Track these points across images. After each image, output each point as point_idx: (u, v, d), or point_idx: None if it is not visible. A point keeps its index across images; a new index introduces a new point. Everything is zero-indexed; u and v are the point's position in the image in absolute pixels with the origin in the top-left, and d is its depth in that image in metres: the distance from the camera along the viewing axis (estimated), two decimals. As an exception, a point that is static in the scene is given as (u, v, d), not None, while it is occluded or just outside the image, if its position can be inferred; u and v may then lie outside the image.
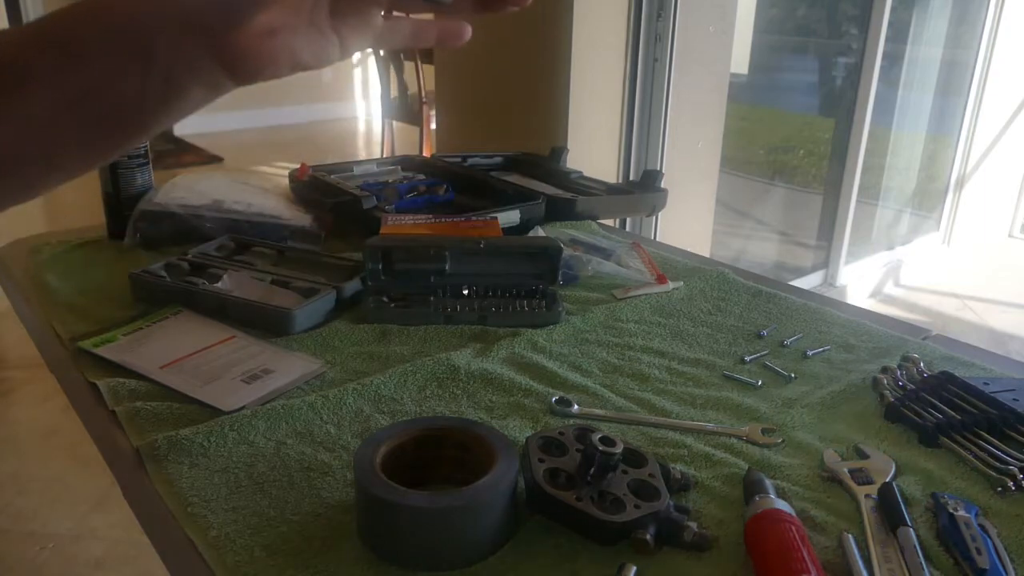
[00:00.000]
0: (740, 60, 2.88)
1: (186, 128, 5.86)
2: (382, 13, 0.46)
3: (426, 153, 3.39)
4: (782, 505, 0.55)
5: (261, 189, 1.21)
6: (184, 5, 0.40)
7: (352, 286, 0.91)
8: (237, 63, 0.41)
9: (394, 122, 4.01)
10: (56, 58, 0.39)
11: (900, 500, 0.58)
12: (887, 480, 0.61)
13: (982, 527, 0.55)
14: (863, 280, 3.38)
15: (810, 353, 0.84)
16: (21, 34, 0.40)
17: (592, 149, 1.95)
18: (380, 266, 0.92)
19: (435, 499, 0.51)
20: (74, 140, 0.41)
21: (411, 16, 0.47)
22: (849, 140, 3.13)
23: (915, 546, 0.53)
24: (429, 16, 0.47)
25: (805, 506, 0.58)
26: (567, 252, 1.05)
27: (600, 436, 0.57)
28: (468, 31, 0.47)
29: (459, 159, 1.46)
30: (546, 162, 1.48)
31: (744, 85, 3.13)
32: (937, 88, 3.77)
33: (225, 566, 0.52)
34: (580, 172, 1.42)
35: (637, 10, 1.90)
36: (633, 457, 0.59)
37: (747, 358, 0.82)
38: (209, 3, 0.40)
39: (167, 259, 0.96)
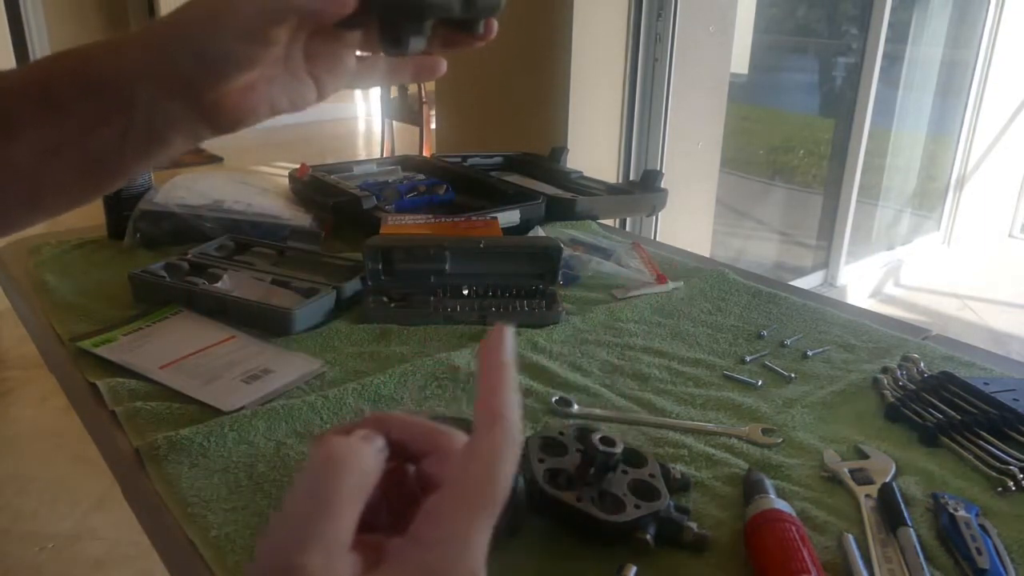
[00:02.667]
0: (740, 60, 2.88)
1: (186, 128, 5.85)
2: (356, 54, 0.47)
3: (426, 153, 3.39)
4: (782, 505, 0.55)
5: (261, 189, 1.21)
6: (165, 61, 0.41)
7: (352, 286, 0.91)
8: (217, 117, 0.42)
9: (394, 122, 4.01)
10: (38, 108, 0.41)
11: (900, 500, 0.58)
12: (887, 480, 0.61)
13: (982, 527, 0.55)
14: (863, 280, 3.38)
15: (810, 353, 0.84)
16: (8, 81, 0.41)
17: (592, 149, 1.95)
18: (380, 266, 0.92)
19: None
20: (57, 184, 0.43)
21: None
22: (849, 140, 3.13)
23: (915, 546, 0.53)
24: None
25: (805, 506, 0.58)
26: (567, 252, 1.05)
27: (600, 436, 0.57)
28: (443, 66, 0.47)
29: (459, 159, 1.46)
30: (546, 162, 1.48)
31: (744, 85, 3.12)
32: (937, 88, 3.77)
33: (225, 566, 0.52)
34: (580, 172, 1.42)
35: (637, 10, 1.90)
36: (633, 457, 0.59)
37: (747, 358, 0.82)
38: (190, 60, 0.40)
39: (167, 259, 0.95)
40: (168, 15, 0.42)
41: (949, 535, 0.55)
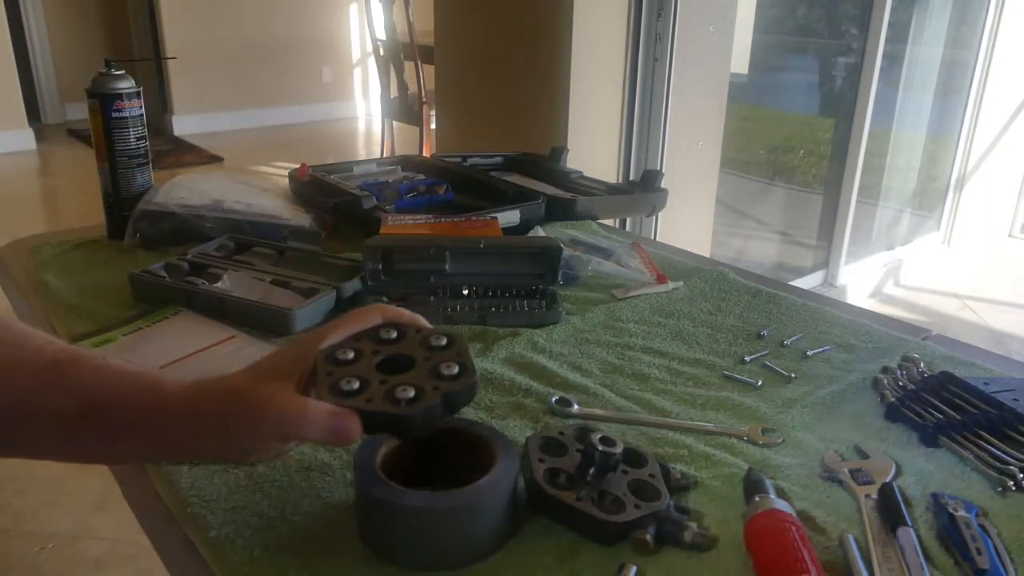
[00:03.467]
0: (740, 60, 2.88)
1: (186, 128, 5.86)
2: None
3: (426, 153, 3.39)
4: (782, 505, 0.55)
5: (261, 189, 1.21)
6: (220, 442, 0.53)
7: (352, 286, 0.91)
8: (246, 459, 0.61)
9: (394, 122, 4.01)
10: (182, 431, 0.52)
11: (900, 500, 0.58)
12: (887, 480, 0.61)
13: (982, 527, 0.55)
14: (863, 280, 3.38)
15: (810, 353, 0.83)
16: (180, 405, 0.52)
17: (592, 149, 1.95)
18: (380, 266, 0.92)
19: (435, 499, 0.50)
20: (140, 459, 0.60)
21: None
22: (849, 140, 3.13)
23: (915, 546, 0.53)
24: None
25: (805, 506, 0.58)
26: (567, 252, 1.05)
27: (600, 436, 0.57)
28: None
29: (459, 159, 1.46)
30: (546, 162, 1.48)
31: (744, 85, 3.13)
32: (937, 88, 3.77)
33: (225, 566, 0.52)
34: (580, 172, 1.42)
35: (637, 10, 1.90)
36: (633, 457, 0.59)
37: (747, 358, 0.82)
38: (236, 446, 0.54)
39: (167, 259, 0.96)
40: (221, 391, 0.53)
41: (949, 535, 0.55)
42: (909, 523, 0.55)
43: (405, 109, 3.79)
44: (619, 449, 0.56)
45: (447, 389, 0.50)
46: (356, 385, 0.50)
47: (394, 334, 0.56)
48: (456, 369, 0.52)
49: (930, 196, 3.90)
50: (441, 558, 0.52)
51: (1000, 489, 0.61)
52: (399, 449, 0.56)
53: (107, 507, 1.90)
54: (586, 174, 1.42)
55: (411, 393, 0.49)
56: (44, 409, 0.51)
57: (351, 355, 0.53)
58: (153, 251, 1.05)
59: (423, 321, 0.59)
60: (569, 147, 1.58)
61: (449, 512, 0.51)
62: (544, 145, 1.55)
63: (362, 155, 5.72)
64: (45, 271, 0.99)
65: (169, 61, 5.70)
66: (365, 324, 0.57)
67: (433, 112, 3.44)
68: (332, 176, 1.25)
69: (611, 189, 1.37)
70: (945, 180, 3.84)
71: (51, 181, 4.84)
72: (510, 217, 1.13)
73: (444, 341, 0.55)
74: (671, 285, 1.00)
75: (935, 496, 0.59)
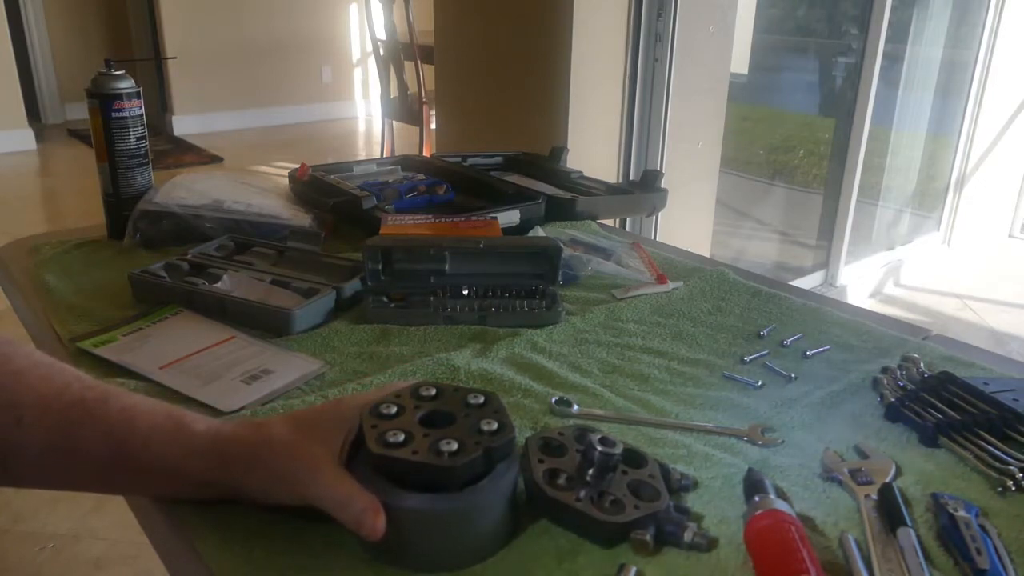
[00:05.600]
0: (740, 60, 2.88)
1: (186, 128, 5.86)
2: None
3: (426, 153, 3.39)
4: (782, 505, 0.55)
5: (261, 189, 1.21)
6: (256, 486, 0.55)
7: (352, 286, 0.91)
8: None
9: (394, 122, 4.01)
10: (208, 472, 0.54)
11: (900, 500, 0.58)
12: (887, 480, 0.61)
13: (982, 527, 0.55)
14: (863, 280, 3.38)
15: (810, 353, 0.83)
16: (213, 444, 0.55)
17: (592, 149, 1.95)
18: (380, 266, 0.92)
19: (435, 501, 0.50)
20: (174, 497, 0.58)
21: None
22: (849, 140, 3.13)
23: (915, 546, 0.53)
24: None
25: (805, 506, 0.58)
26: (567, 252, 1.05)
27: (600, 437, 0.57)
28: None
29: (459, 159, 1.46)
30: (546, 162, 1.48)
31: (744, 85, 3.13)
32: (937, 88, 3.77)
33: (225, 566, 0.52)
34: (580, 172, 1.42)
35: (637, 10, 1.90)
36: (633, 457, 0.59)
37: (747, 358, 0.82)
38: (265, 494, 0.55)
39: (167, 259, 0.95)
40: (251, 441, 0.55)
41: (949, 535, 0.55)
42: (909, 523, 0.55)
43: (405, 109, 3.79)
44: (619, 450, 0.56)
45: (488, 444, 0.52)
46: (401, 438, 0.52)
47: (433, 391, 0.58)
48: (496, 425, 0.54)
49: (930, 196, 3.90)
50: (441, 560, 0.52)
51: (1000, 489, 0.61)
52: None
53: (107, 507, 1.90)
54: (586, 174, 1.42)
55: (455, 446, 0.51)
56: (76, 447, 0.53)
57: (394, 410, 0.55)
58: (153, 251, 1.05)
59: None
60: (569, 147, 1.58)
61: (449, 514, 0.51)
62: (544, 145, 1.55)
63: (362, 155, 5.72)
64: (45, 271, 0.99)
65: (169, 61, 5.70)
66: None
67: (433, 112, 3.44)
68: (332, 176, 1.25)
69: (611, 189, 1.37)
70: (945, 180, 3.84)
71: (51, 181, 4.84)
72: (510, 217, 1.13)
73: (481, 399, 0.57)
74: (671, 285, 1.00)
75: (935, 496, 0.59)
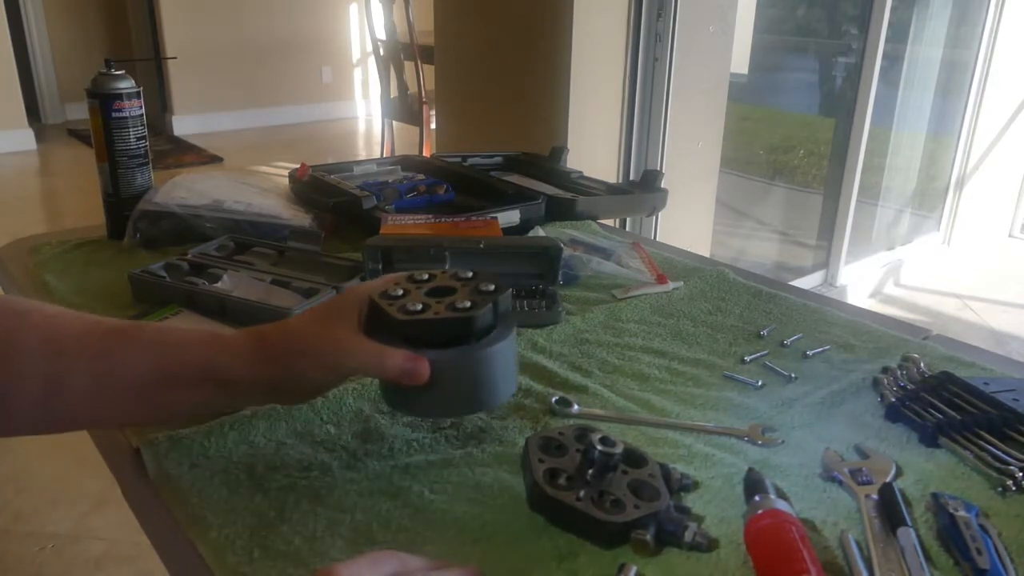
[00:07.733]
0: (740, 60, 2.88)
1: (186, 128, 5.86)
2: None
3: (426, 153, 3.39)
4: (782, 505, 0.55)
5: (261, 189, 1.21)
6: (271, 384, 0.58)
7: (352, 286, 0.91)
8: (290, 402, 0.67)
9: (394, 122, 4.01)
10: (247, 372, 0.57)
11: (900, 500, 0.58)
12: (887, 480, 0.61)
13: (982, 527, 0.55)
14: (863, 280, 3.38)
15: (810, 353, 0.83)
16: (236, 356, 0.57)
17: (592, 149, 1.95)
18: (380, 266, 0.92)
19: (459, 351, 0.58)
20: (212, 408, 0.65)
21: None
22: (849, 140, 3.13)
23: (915, 546, 0.53)
24: None
25: (805, 506, 0.58)
26: (567, 252, 1.05)
27: (600, 436, 0.57)
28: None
29: (459, 159, 1.46)
30: (546, 162, 1.48)
31: (744, 85, 3.13)
32: (937, 88, 3.77)
33: (225, 566, 0.52)
34: (580, 172, 1.42)
35: (637, 10, 1.90)
36: (633, 457, 0.59)
37: (747, 358, 0.82)
38: (289, 386, 0.59)
39: (167, 259, 0.95)
40: (281, 333, 0.59)
41: (949, 535, 0.55)
42: (909, 523, 0.55)
43: (405, 109, 3.79)
44: (619, 449, 0.56)
45: (494, 299, 0.59)
46: (420, 306, 0.59)
47: (426, 276, 0.64)
48: (493, 287, 0.61)
49: (930, 196, 3.90)
50: (453, 406, 0.61)
51: (1000, 489, 0.61)
52: None
53: (107, 507, 1.90)
54: (586, 174, 1.42)
55: (468, 303, 0.59)
56: (116, 368, 0.56)
57: (401, 292, 0.61)
58: (153, 251, 1.05)
59: None
60: (569, 147, 1.58)
61: (474, 360, 0.58)
62: (544, 145, 1.55)
63: (362, 155, 5.72)
64: (45, 271, 0.99)
65: (169, 61, 5.70)
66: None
67: (433, 112, 3.44)
68: (332, 176, 1.25)
69: (611, 189, 1.37)
70: (945, 180, 3.84)
71: (51, 181, 4.84)
72: (510, 217, 1.13)
73: (470, 274, 0.64)
74: (671, 285, 1.00)
75: (935, 496, 0.59)
